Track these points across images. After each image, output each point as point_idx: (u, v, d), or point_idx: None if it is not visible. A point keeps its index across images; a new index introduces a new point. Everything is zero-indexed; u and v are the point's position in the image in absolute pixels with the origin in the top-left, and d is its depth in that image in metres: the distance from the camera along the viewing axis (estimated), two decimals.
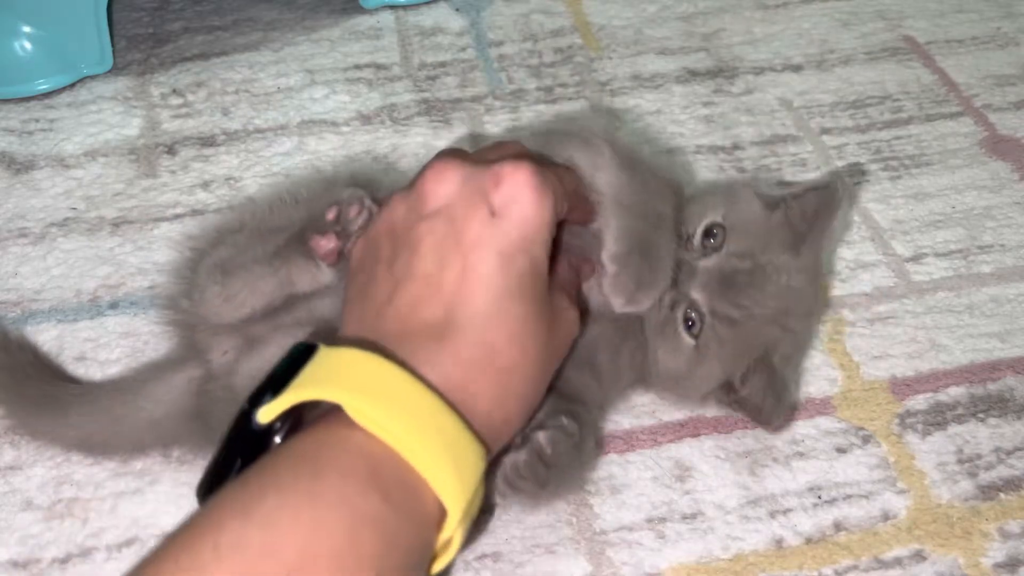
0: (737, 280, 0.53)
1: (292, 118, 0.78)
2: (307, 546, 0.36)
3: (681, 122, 0.79)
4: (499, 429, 0.45)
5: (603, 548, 0.53)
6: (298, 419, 0.41)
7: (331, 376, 0.41)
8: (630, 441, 0.57)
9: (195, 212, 0.70)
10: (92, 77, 0.81)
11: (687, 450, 0.57)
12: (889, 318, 0.65)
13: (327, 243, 0.50)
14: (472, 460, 0.42)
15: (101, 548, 0.52)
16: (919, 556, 0.53)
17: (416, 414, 0.41)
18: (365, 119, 0.79)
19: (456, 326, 0.44)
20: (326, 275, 0.51)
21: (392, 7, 0.90)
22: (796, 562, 0.52)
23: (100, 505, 0.54)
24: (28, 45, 0.78)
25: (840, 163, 0.75)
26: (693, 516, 0.54)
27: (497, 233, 0.45)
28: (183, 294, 0.55)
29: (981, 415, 0.59)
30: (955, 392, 0.61)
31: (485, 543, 0.52)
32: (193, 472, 0.54)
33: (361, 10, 0.89)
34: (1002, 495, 0.55)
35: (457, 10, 0.90)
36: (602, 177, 0.52)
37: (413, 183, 0.48)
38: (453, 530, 0.41)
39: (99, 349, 0.61)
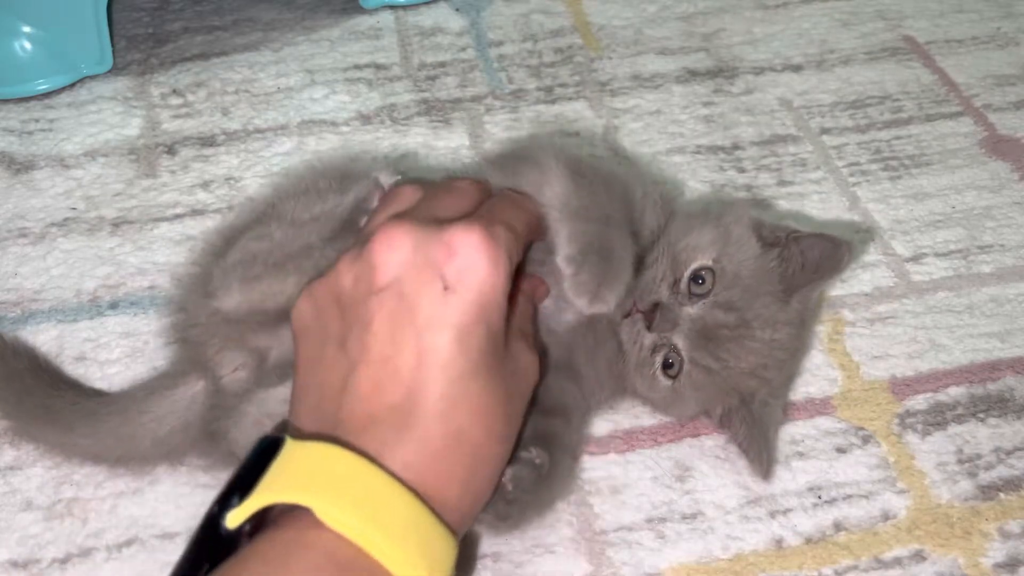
0: (720, 334, 0.52)
1: (292, 118, 0.78)
2: None
3: (681, 122, 0.79)
4: (468, 509, 0.45)
5: (603, 548, 0.53)
6: (267, 510, 0.40)
7: (299, 476, 0.40)
8: (630, 441, 0.57)
9: (195, 212, 0.70)
10: (92, 77, 0.81)
11: (687, 450, 0.57)
12: (889, 318, 0.65)
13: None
14: (444, 552, 0.41)
15: (101, 548, 0.52)
16: (919, 556, 0.53)
17: (387, 513, 0.40)
18: (365, 119, 0.79)
19: (419, 411, 0.43)
20: None
21: (392, 7, 0.90)
22: (796, 562, 0.52)
23: (100, 505, 0.54)
24: (28, 45, 0.78)
25: (840, 163, 0.75)
26: (693, 516, 0.54)
27: (452, 309, 0.43)
28: (195, 287, 0.54)
29: (981, 415, 0.59)
30: (955, 392, 0.61)
31: (485, 543, 0.52)
32: (193, 472, 0.55)
33: (361, 10, 0.89)
34: (1002, 495, 0.55)
35: (457, 10, 0.90)
36: (548, 191, 0.51)
37: (362, 248, 0.46)
38: None
39: (99, 349, 0.61)
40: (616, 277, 0.49)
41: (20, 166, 0.74)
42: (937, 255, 0.69)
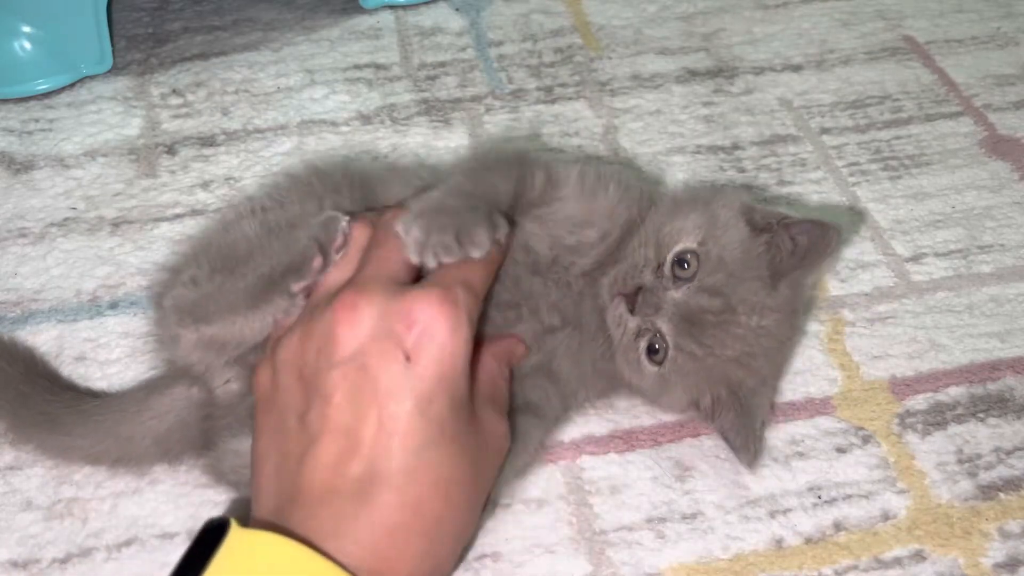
0: (704, 320, 0.52)
1: (292, 118, 0.78)
2: None
3: (681, 122, 0.79)
4: None
5: (603, 548, 0.53)
6: None
7: (241, 570, 0.40)
8: (630, 441, 0.57)
9: (195, 212, 0.70)
10: (92, 77, 0.81)
11: (687, 450, 0.57)
12: (889, 318, 0.65)
13: (309, 284, 0.49)
14: None
15: (101, 548, 0.52)
16: (919, 556, 0.53)
17: None
18: (365, 119, 0.79)
19: (378, 483, 0.43)
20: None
21: (392, 7, 0.90)
22: (796, 562, 0.52)
23: (100, 505, 0.54)
24: (28, 45, 0.78)
25: (840, 163, 0.75)
26: (693, 516, 0.54)
27: (413, 380, 0.43)
28: (156, 340, 0.54)
29: (981, 415, 0.59)
30: (955, 392, 0.61)
31: (485, 543, 0.52)
32: (193, 472, 0.55)
33: (361, 10, 0.89)
34: (1002, 495, 0.55)
35: (457, 10, 0.90)
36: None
37: (322, 313, 0.46)
38: None
39: (99, 349, 0.61)
40: (446, 228, 0.47)
41: (20, 166, 0.74)
42: (937, 255, 0.69)
